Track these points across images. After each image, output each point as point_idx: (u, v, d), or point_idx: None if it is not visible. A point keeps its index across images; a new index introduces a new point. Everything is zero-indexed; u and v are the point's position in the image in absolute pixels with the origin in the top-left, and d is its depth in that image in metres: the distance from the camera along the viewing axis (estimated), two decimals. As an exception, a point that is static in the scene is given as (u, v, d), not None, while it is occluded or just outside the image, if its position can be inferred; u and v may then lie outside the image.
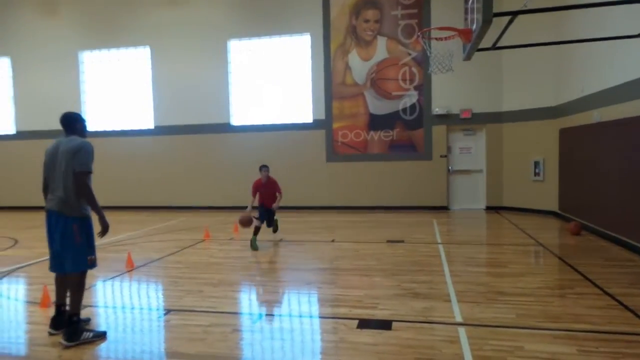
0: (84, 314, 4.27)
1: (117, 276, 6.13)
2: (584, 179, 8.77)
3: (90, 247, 4.08)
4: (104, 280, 5.95)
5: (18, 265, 6.75)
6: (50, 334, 4.08)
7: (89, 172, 4.06)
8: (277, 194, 8.00)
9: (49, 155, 4.15)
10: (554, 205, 10.59)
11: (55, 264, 4.05)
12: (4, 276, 6.22)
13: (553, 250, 7.22)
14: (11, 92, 14.93)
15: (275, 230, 8.51)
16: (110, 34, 14.01)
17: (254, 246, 7.64)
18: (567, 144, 9.81)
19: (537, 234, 8.47)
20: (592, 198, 8.39)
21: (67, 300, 4.09)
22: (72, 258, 3.96)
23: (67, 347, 3.82)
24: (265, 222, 8.01)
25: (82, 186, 4.02)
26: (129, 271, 6.36)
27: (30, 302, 5.12)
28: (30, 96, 14.67)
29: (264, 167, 7.95)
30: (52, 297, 4.92)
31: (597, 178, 8.11)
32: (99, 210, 4.10)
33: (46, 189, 4.22)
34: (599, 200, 8.07)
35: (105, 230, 4.08)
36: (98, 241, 4.21)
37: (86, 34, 14.18)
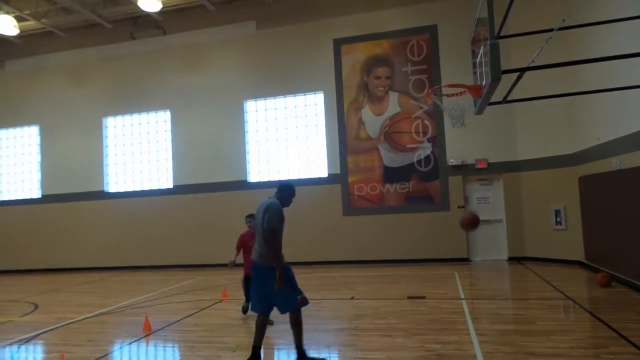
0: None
1: (134, 341, 6.04)
2: (609, 227, 8.53)
3: (295, 289, 4.60)
4: (121, 346, 5.88)
5: (36, 332, 6.72)
6: None
7: (272, 229, 4.54)
8: None
9: (257, 211, 4.86)
10: (579, 255, 10.25)
11: (261, 305, 4.70)
12: (23, 344, 6.18)
13: (583, 304, 6.91)
14: (38, 158, 15.55)
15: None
16: (133, 100, 14.69)
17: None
18: (587, 191, 9.65)
19: (564, 287, 8.14)
20: (619, 247, 8.11)
21: (262, 342, 4.73)
22: (282, 301, 4.57)
23: None
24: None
25: (267, 240, 4.55)
26: (146, 336, 6.27)
27: (47, 372, 5.05)
28: (56, 161, 15.26)
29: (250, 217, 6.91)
30: (69, 366, 4.87)
31: (623, 226, 7.88)
32: (278, 264, 4.50)
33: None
34: (627, 249, 7.79)
35: (280, 282, 4.48)
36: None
37: (110, 101, 14.90)
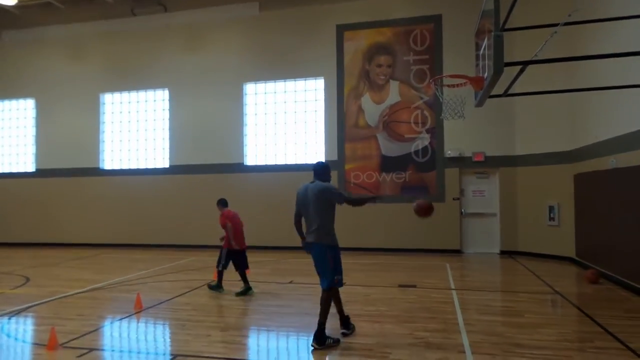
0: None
1: (125, 317, 6.07)
2: (601, 225, 8.60)
3: (336, 270, 4.98)
4: (112, 322, 5.90)
5: (27, 305, 6.74)
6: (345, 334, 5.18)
7: (344, 197, 5.05)
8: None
9: (301, 196, 5.10)
10: (570, 251, 10.35)
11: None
12: (13, 315, 6.20)
13: (571, 299, 7.00)
14: (33, 132, 15.42)
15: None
16: (131, 77, 14.54)
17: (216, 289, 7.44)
18: (582, 189, 9.70)
19: (554, 282, 8.23)
20: (610, 245, 8.18)
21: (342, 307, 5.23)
22: (324, 278, 4.96)
23: (316, 349, 4.77)
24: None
25: (351, 203, 5.22)
26: (137, 312, 6.30)
27: (36, 344, 5.07)
28: (51, 136, 15.13)
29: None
30: (60, 339, 4.90)
31: (616, 224, 7.94)
32: (363, 200, 5.24)
33: (299, 222, 5.25)
34: (618, 248, 7.87)
35: (377, 198, 5.34)
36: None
37: (108, 77, 14.74)
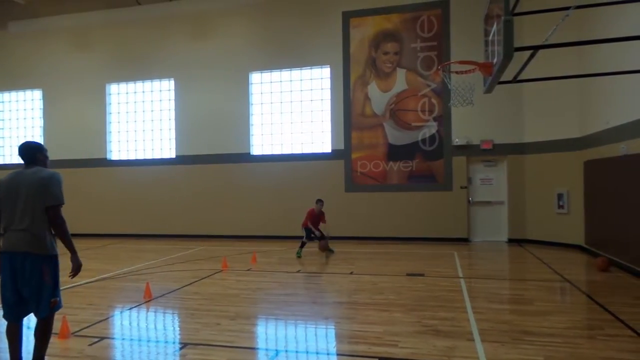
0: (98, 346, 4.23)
1: (134, 307, 6.12)
2: (611, 212, 8.51)
3: (56, 289, 3.77)
4: (122, 311, 5.95)
5: (39, 294, 6.81)
6: None
7: (61, 205, 3.75)
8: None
9: (5, 188, 3.70)
10: (579, 239, 10.28)
11: (19, 311, 3.75)
12: (25, 304, 6.26)
13: (580, 287, 6.96)
14: (41, 123, 15.49)
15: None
16: (137, 67, 14.52)
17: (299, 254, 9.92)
18: (592, 176, 9.60)
19: (563, 269, 8.19)
20: (620, 232, 8.11)
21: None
22: (41, 301, 3.68)
23: None
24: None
25: (57, 220, 3.69)
26: (146, 302, 6.35)
27: (49, 332, 5.12)
28: (59, 126, 15.20)
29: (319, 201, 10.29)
30: (71, 328, 4.95)
31: (626, 212, 7.86)
32: (72, 246, 3.76)
33: None
34: (628, 235, 7.79)
35: (77, 269, 3.82)
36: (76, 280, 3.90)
37: (114, 67, 14.73)
